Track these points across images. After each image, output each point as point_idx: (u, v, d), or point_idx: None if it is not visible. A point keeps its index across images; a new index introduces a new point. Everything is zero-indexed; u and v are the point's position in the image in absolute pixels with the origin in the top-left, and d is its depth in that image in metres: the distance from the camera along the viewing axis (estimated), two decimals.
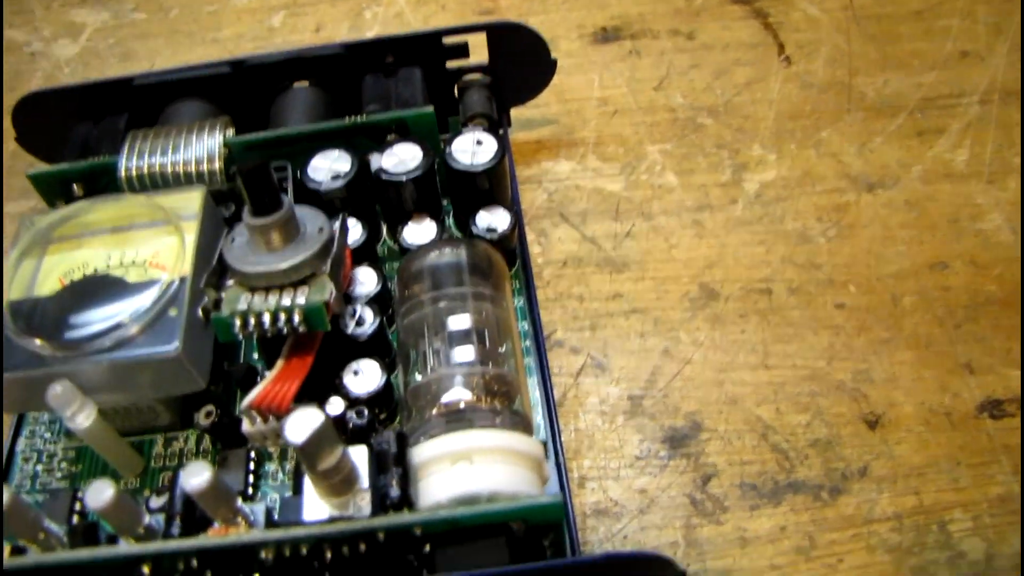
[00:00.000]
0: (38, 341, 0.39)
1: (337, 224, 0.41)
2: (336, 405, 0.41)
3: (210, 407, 0.41)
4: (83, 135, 0.52)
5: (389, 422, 0.43)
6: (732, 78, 0.60)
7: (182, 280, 0.41)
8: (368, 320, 0.43)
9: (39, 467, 0.45)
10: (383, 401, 0.42)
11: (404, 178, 0.47)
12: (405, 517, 0.33)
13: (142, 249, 0.43)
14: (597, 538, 0.44)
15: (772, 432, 0.46)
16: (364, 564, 0.35)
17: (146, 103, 0.53)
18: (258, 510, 0.36)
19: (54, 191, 0.50)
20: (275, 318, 0.38)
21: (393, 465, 0.36)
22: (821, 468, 0.45)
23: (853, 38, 0.61)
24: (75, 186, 0.49)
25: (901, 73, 0.59)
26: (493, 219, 0.48)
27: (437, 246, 0.45)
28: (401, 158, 0.47)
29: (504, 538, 0.35)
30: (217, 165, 0.48)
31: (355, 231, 0.47)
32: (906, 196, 0.54)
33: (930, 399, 0.47)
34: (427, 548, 0.34)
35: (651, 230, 0.54)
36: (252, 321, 0.38)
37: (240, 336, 0.39)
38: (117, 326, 0.39)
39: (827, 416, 0.47)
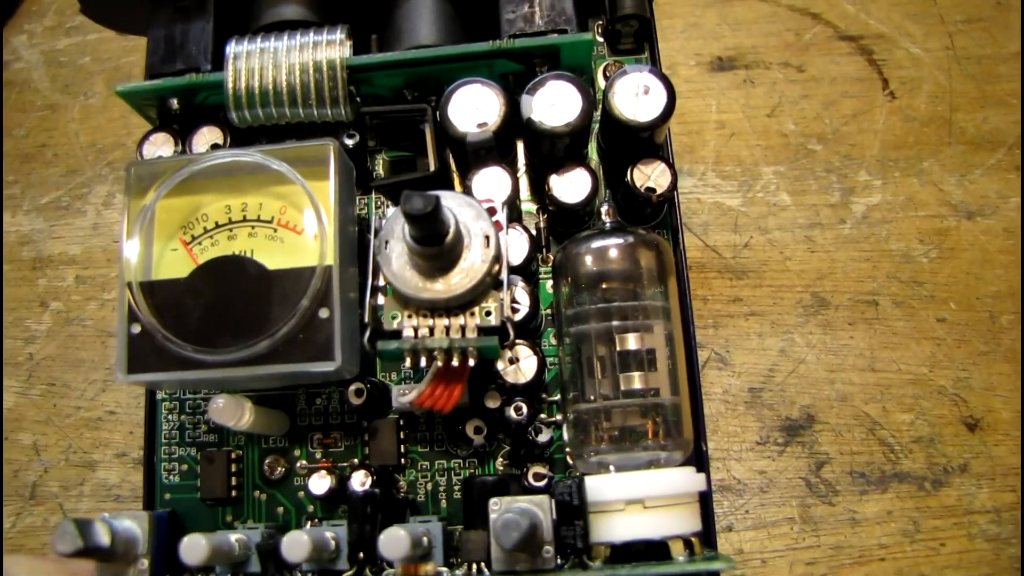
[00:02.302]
0: (184, 345, 0.41)
1: (501, 221, 0.41)
2: (494, 400, 0.43)
3: (359, 385, 0.44)
4: (164, 29, 0.49)
5: (540, 405, 0.45)
6: (839, 109, 0.66)
7: (327, 270, 0.41)
8: (523, 304, 0.43)
9: (184, 418, 0.48)
10: (538, 388, 0.45)
11: (562, 130, 0.43)
12: (592, 573, 0.38)
13: (267, 203, 0.43)
14: (722, 511, 0.50)
15: (879, 427, 0.52)
16: None
17: None
18: (435, 534, 0.40)
19: (147, 105, 0.49)
20: (447, 352, 0.39)
21: (576, 518, 0.38)
22: (924, 462, 0.51)
23: (954, 76, 0.67)
24: (172, 102, 0.48)
25: (1001, 111, 0.65)
26: (652, 175, 0.44)
27: (610, 242, 0.43)
28: (554, 102, 0.43)
29: None
30: (339, 91, 0.45)
31: (520, 243, 0.43)
32: (1004, 224, 0.60)
33: None
34: None
35: (767, 243, 0.60)
36: (423, 356, 0.40)
37: (407, 364, 0.40)
38: (269, 335, 0.40)
39: (929, 416, 0.52)
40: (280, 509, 0.46)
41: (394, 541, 0.36)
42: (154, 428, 0.48)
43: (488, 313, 0.39)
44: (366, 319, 0.40)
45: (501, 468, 0.46)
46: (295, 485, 0.47)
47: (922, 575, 0.47)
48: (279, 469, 0.47)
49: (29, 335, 0.61)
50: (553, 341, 0.47)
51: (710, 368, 0.54)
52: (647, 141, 0.45)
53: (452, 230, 0.38)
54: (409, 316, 0.40)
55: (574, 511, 0.39)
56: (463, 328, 0.39)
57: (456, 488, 0.46)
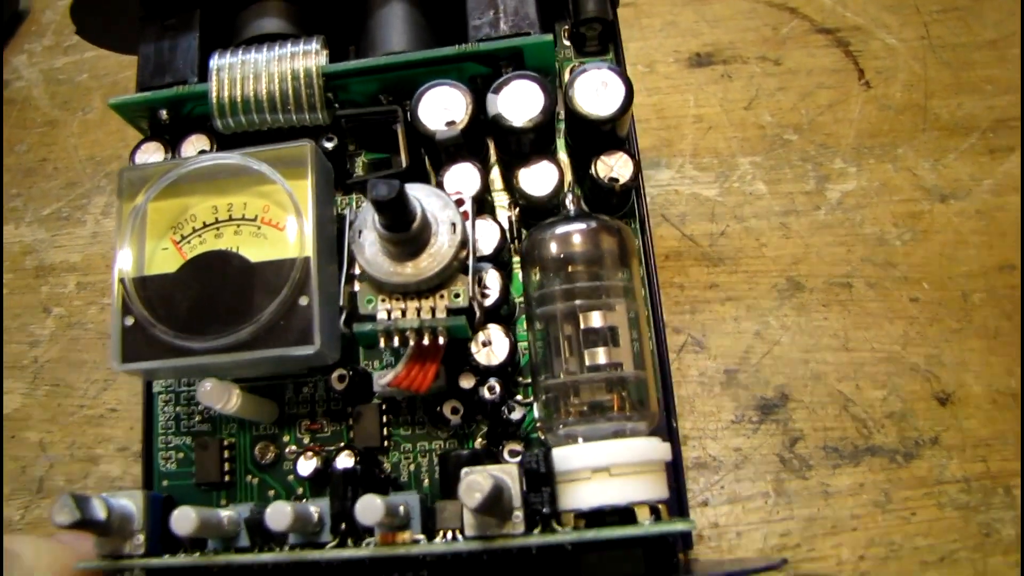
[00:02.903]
0: (174, 334, 0.44)
1: (468, 211, 0.44)
2: (468, 380, 0.47)
3: (342, 371, 0.47)
4: (153, 46, 0.53)
5: (515, 388, 0.49)
6: (816, 100, 0.69)
7: (306, 261, 0.44)
8: (493, 290, 0.46)
9: (179, 409, 0.52)
10: (510, 369, 0.47)
11: (526, 126, 0.46)
12: (559, 536, 0.40)
13: (251, 202, 0.46)
14: (698, 487, 0.53)
15: (852, 404, 0.55)
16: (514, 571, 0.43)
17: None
18: (412, 504, 0.43)
19: (138, 117, 0.52)
20: (419, 332, 0.43)
21: (543, 485, 0.41)
22: (896, 436, 0.53)
23: (929, 65, 0.70)
24: (162, 113, 0.52)
25: (975, 97, 0.68)
26: (614, 166, 0.48)
27: (573, 227, 0.46)
28: (519, 99, 0.46)
29: (641, 550, 0.43)
30: (316, 97, 0.49)
31: (491, 234, 0.47)
32: (977, 206, 0.63)
33: (997, 382, 0.55)
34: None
35: (743, 231, 0.63)
36: (396, 337, 0.43)
37: (381, 345, 0.44)
38: (253, 322, 0.44)
39: (902, 393, 0.55)
40: (271, 492, 0.50)
41: (369, 508, 0.39)
42: (151, 419, 0.52)
43: (457, 295, 0.43)
44: (341, 303, 0.43)
45: (479, 447, 0.49)
46: (285, 469, 0.50)
47: (892, 543, 0.50)
48: (269, 454, 0.50)
49: (33, 339, 0.65)
50: (526, 328, 0.50)
51: (687, 352, 0.57)
52: (610, 134, 0.49)
53: (418, 216, 0.41)
54: (383, 300, 0.43)
55: (542, 479, 0.42)
56: (433, 309, 0.43)
57: (437, 468, 0.49)
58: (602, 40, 0.54)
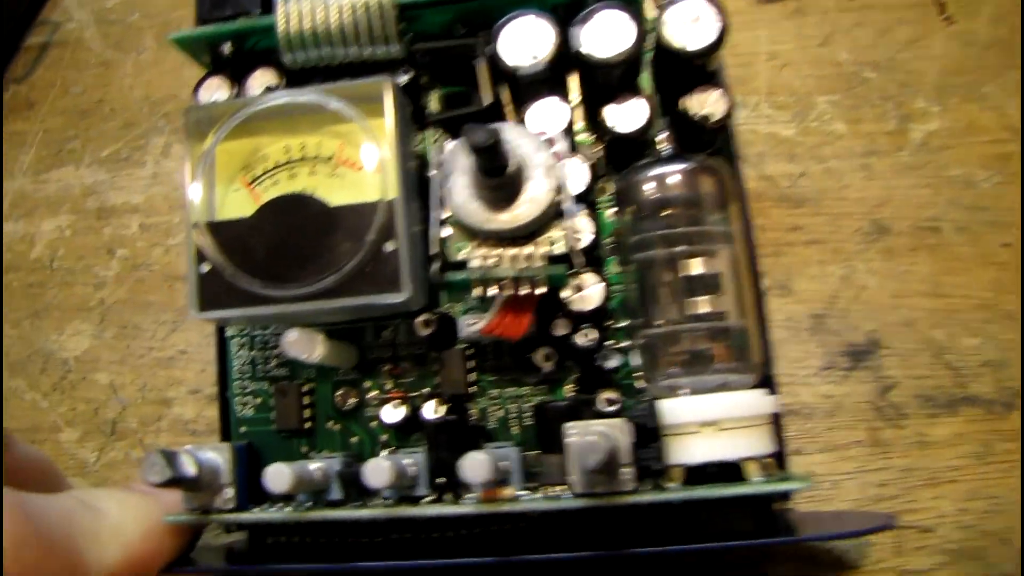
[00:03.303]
0: (253, 282, 0.41)
1: (560, 152, 0.40)
2: (562, 327, 0.43)
3: (427, 316, 0.43)
4: None
5: (606, 332, 0.45)
6: (895, 36, 0.64)
7: (390, 205, 0.40)
8: (584, 233, 0.42)
9: (255, 353, 0.48)
10: (604, 315, 0.44)
11: (614, 60, 0.42)
12: (670, 494, 0.37)
13: (325, 142, 0.42)
14: (790, 435, 0.49)
15: (946, 352, 0.50)
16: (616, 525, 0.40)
17: None
18: (512, 458, 0.40)
19: (200, 51, 0.49)
20: (515, 281, 0.39)
21: (652, 441, 0.38)
22: (993, 386, 0.49)
23: None
24: (225, 47, 0.48)
25: None
26: (707, 102, 0.43)
27: (672, 169, 0.42)
28: (606, 31, 0.42)
29: (751, 509, 0.40)
30: (389, 29, 0.44)
31: (580, 174, 0.43)
32: None
33: None
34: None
35: (824, 172, 0.58)
36: (491, 285, 0.39)
37: (476, 294, 0.39)
38: (338, 270, 0.40)
39: (998, 341, 0.50)
40: (354, 439, 0.46)
41: (476, 464, 0.36)
42: (225, 364, 0.49)
43: (553, 242, 0.39)
44: (433, 251, 0.39)
45: (570, 394, 0.45)
46: (367, 415, 0.47)
47: (995, 496, 0.46)
48: (351, 400, 0.46)
49: (99, 281, 0.61)
50: (616, 269, 0.46)
51: (772, 296, 0.53)
52: (700, 69, 0.44)
53: (514, 161, 0.37)
54: (475, 247, 0.39)
55: (650, 434, 0.38)
56: (529, 257, 0.39)
57: (527, 415, 0.45)
58: None
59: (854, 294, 0.53)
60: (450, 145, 0.40)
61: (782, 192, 0.57)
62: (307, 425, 0.46)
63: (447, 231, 0.39)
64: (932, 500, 0.46)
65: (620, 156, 0.47)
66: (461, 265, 0.39)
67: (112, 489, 0.41)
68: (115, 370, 0.58)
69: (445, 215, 0.39)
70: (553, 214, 0.39)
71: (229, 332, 0.49)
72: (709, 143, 0.46)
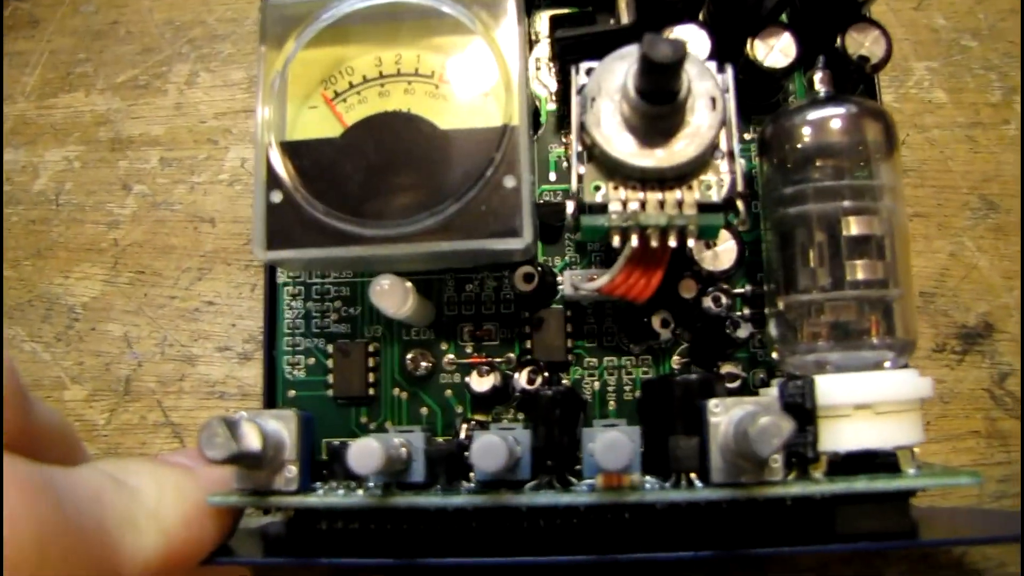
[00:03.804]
0: (339, 216, 0.32)
1: (727, 81, 0.32)
2: (689, 289, 0.36)
3: (529, 269, 0.36)
4: None
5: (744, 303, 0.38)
6: (995, 3, 0.57)
7: (514, 132, 0.32)
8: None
9: (311, 305, 0.40)
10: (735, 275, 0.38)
11: None
12: (823, 486, 0.30)
13: (425, 56, 0.34)
14: None
15: None
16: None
17: None
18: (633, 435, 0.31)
19: None
20: (663, 231, 0.31)
21: (807, 424, 0.31)
22: None
23: None
24: None
25: None
26: (865, 42, 0.37)
27: (833, 112, 0.34)
28: None
29: (906, 503, 0.33)
30: None
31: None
32: None
33: None
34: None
35: (926, 142, 0.51)
36: (632, 234, 0.31)
37: (614, 243, 0.32)
38: (448, 206, 0.32)
39: None
40: (424, 410, 0.39)
41: (615, 446, 0.28)
42: (274, 316, 0.40)
43: (709, 187, 0.31)
44: (576, 187, 0.31)
45: (678, 367, 0.38)
46: (441, 383, 0.39)
47: None
48: (424, 364, 0.38)
49: (112, 219, 0.52)
50: (740, 226, 0.38)
51: None
52: (857, 4, 0.38)
53: (685, 86, 0.29)
54: (615, 188, 0.31)
55: (804, 415, 0.31)
56: (680, 203, 0.31)
57: (627, 388, 0.38)
58: None
59: (964, 272, 0.46)
60: (589, 66, 0.31)
61: None
62: (370, 392, 0.38)
63: (583, 168, 0.31)
64: None
65: (752, 97, 0.39)
66: (597, 209, 0.31)
67: (144, 461, 0.32)
68: (130, 320, 0.49)
69: (581, 148, 0.31)
70: (711, 154, 0.31)
71: (281, 278, 0.40)
72: (853, 90, 0.39)
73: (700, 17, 0.40)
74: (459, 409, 0.38)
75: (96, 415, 0.47)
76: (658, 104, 0.29)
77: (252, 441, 0.30)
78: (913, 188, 0.49)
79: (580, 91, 0.32)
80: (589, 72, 0.32)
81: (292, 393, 0.39)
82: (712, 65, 0.33)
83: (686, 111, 0.30)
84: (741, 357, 0.38)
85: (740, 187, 0.31)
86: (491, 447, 0.29)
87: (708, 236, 0.33)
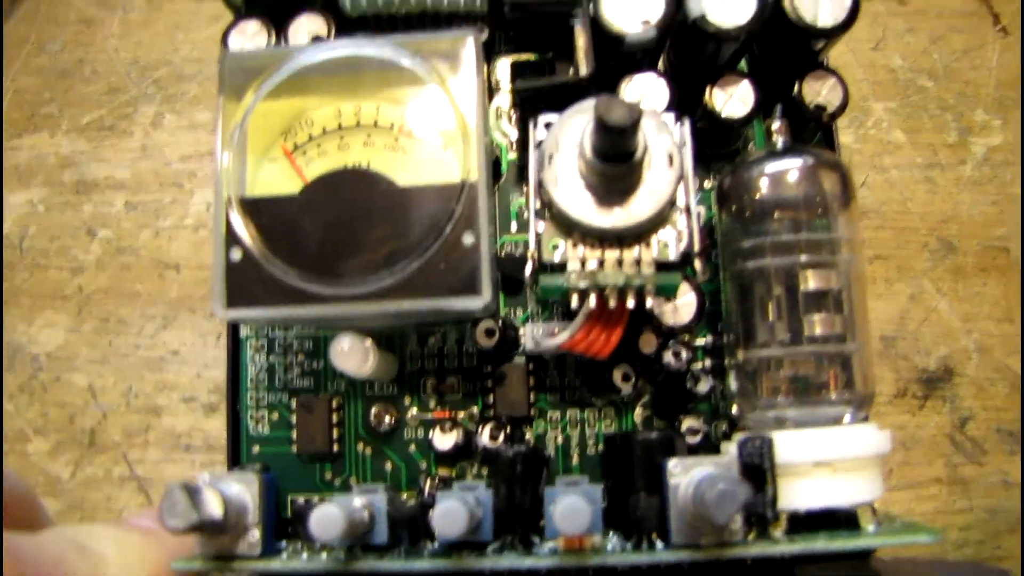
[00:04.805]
0: (298, 275, 0.32)
1: (684, 135, 0.33)
2: (650, 343, 0.35)
3: (490, 324, 0.36)
4: None
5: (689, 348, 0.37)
6: (949, 44, 0.58)
7: (473, 188, 0.32)
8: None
9: (273, 359, 0.39)
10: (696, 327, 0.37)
11: (734, 33, 0.34)
12: (783, 546, 0.30)
13: (385, 107, 0.34)
14: None
15: None
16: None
17: None
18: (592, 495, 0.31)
19: None
20: (620, 291, 0.31)
21: (763, 483, 0.31)
22: None
23: None
24: None
25: None
26: (823, 90, 0.37)
27: (792, 164, 0.35)
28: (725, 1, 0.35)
29: (868, 559, 0.34)
30: None
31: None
32: None
33: None
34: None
35: (885, 183, 0.52)
36: (591, 293, 0.31)
37: (573, 304, 0.32)
38: (407, 265, 0.32)
39: None
40: (388, 465, 0.38)
41: (574, 512, 0.28)
42: (238, 371, 0.40)
43: (667, 245, 0.31)
44: (533, 247, 0.31)
45: (640, 420, 0.38)
46: (405, 438, 0.38)
47: None
48: (387, 419, 0.38)
49: (76, 265, 0.51)
50: (700, 277, 0.38)
51: None
52: (813, 53, 0.38)
53: (642, 146, 0.29)
54: (574, 246, 0.31)
55: (762, 475, 0.31)
56: (638, 262, 0.31)
57: (590, 442, 0.38)
58: None
59: (923, 315, 0.47)
60: (553, 119, 0.32)
61: None
62: (334, 448, 0.38)
63: (541, 225, 0.31)
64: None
65: (711, 146, 0.39)
66: (555, 268, 0.31)
67: (106, 526, 0.32)
68: (95, 370, 0.48)
69: (537, 205, 0.31)
70: (669, 212, 0.31)
71: (244, 333, 0.40)
72: (809, 138, 0.39)
73: (660, 66, 0.40)
74: (423, 464, 0.38)
75: (60, 468, 0.46)
76: (614, 164, 0.29)
77: (213, 508, 0.29)
78: (874, 230, 0.50)
79: (538, 146, 0.32)
80: (548, 126, 0.32)
81: (256, 449, 0.39)
82: (670, 116, 0.33)
83: (643, 168, 0.30)
84: (703, 410, 0.38)
85: (697, 245, 0.31)
86: (452, 513, 0.29)
87: (666, 294, 0.33)
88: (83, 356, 0.49)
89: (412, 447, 0.38)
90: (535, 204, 0.31)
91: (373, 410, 0.38)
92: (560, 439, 0.38)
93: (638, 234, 0.31)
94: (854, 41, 0.59)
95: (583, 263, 0.31)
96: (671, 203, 0.31)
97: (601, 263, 0.31)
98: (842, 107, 0.38)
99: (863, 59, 0.58)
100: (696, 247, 0.31)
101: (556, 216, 0.31)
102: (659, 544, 0.31)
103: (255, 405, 0.39)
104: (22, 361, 0.49)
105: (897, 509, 0.42)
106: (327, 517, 0.28)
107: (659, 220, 0.31)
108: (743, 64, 0.40)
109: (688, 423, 0.37)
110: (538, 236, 0.31)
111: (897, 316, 0.47)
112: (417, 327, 0.39)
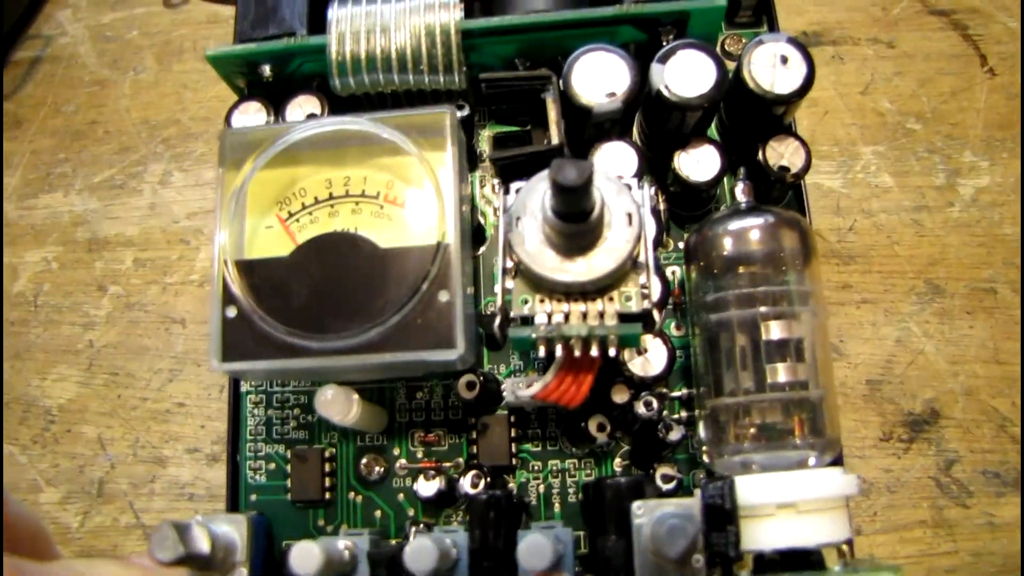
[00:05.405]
0: (287, 330, 0.36)
1: (646, 198, 0.36)
2: (622, 394, 0.39)
3: (471, 377, 0.39)
4: None
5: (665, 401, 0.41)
6: (936, 87, 0.61)
7: (447, 249, 0.36)
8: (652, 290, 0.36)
9: (271, 412, 0.43)
10: (666, 379, 0.41)
11: (695, 102, 0.38)
12: None
13: (372, 176, 0.38)
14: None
15: (1010, 424, 0.47)
16: None
17: None
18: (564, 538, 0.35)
19: (236, 73, 0.44)
20: (585, 341, 0.34)
21: (727, 524, 0.33)
22: None
23: None
24: (265, 69, 0.43)
25: None
26: (785, 153, 0.41)
27: (752, 223, 0.38)
28: (687, 72, 0.38)
29: None
30: (453, 56, 0.40)
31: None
32: None
33: None
34: None
35: (873, 227, 0.54)
36: (557, 344, 0.35)
37: (540, 354, 0.35)
38: (385, 321, 0.35)
39: None
40: (377, 513, 0.42)
41: (536, 551, 0.31)
42: (238, 423, 0.43)
43: (628, 298, 0.34)
44: (500, 301, 0.34)
45: (620, 469, 0.41)
46: (394, 487, 0.42)
47: None
48: (377, 469, 0.42)
49: (88, 321, 0.56)
50: (675, 332, 0.42)
51: None
52: (776, 117, 0.41)
53: (598, 205, 0.33)
54: (541, 301, 0.34)
55: (724, 516, 0.34)
56: (601, 315, 0.34)
57: (571, 490, 0.41)
58: (756, 11, 0.46)
59: (910, 359, 0.49)
60: (519, 185, 0.35)
61: (831, 247, 0.54)
62: (327, 496, 0.41)
63: (510, 282, 0.35)
64: None
65: (684, 208, 0.43)
66: (524, 321, 0.34)
67: (109, 561, 0.35)
68: (104, 423, 0.52)
69: (509, 264, 0.35)
70: (630, 267, 0.34)
71: (244, 387, 0.44)
72: (779, 199, 0.42)
73: (634, 133, 0.44)
74: (411, 512, 0.41)
75: (70, 518, 0.50)
76: (572, 223, 0.32)
77: (201, 544, 0.33)
78: (861, 275, 0.53)
79: (507, 210, 0.35)
80: (518, 191, 0.36)
81: (254, 497, 0.42)
82: (634, 180, 0.36)
83: (604, 226, 0.34)
84: (680, 458, 0.41)
85: (655, 298, 0.34)
86: (422, 550, 0.32)
87: (629, 344, 0.36)
88: (93, 409, 0.53)
89: (400, 495, 0.42)
90: (503, 263, 0.35)
91: (363, 460, 0.42)
92: (542, 488, 0.41)
93: (601, 288, 0.34)
94: (843, 86, 0.62)
95: (550, 316, 0.34)
96: (632, 259, 0.34)
97: (567, 316, 0.34)
98: (805, 168, 0.41)
99: (851, 103, 0.61)
100: (655, 300, 0.35)
101: (524, 273, 0.35)
102: None
103: (253, 456, 0.43)
104: (36, 414, 0.53)
105: (882, 552, 0.44)
106: (304, 552, 0.32)
107: (620, 275, 0.34)
108: (713, 129, 0.44)
109: (663, 470, 0.39)
110: (507, 291, 0.35)
111: (884, 360, 0.49)
112: (406, 382, 0.42)
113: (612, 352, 0.34)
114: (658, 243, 0.39)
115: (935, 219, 0.55)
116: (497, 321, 0.35)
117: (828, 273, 0.52)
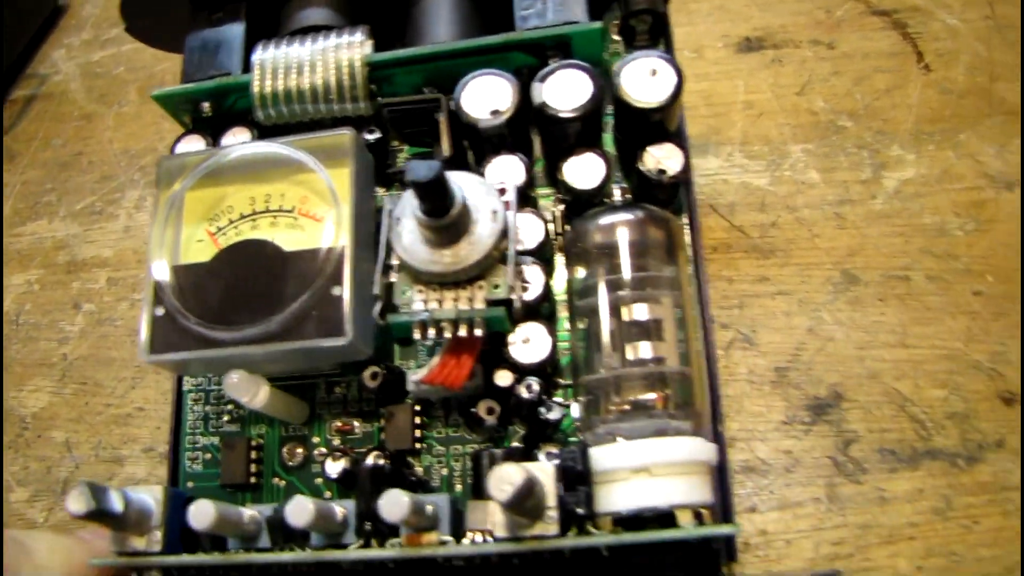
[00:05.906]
0: (204, 325, 0.44)
1: (510, 201, 0.43)
2: (505, 378, 0.45)
3: (375, 368, 0.46)
4: (200, 39, 0.54)
5: (555, 390, 0.47)
6: (872, 84, 0.67)
7: (341, 251, 0.44)
8: (535, 284, 0.45)
9: (208, 408, 0.51)
10: (551, 371, 0.47)
11: (572, 115, 0.45)
12: (594, 539, 0.39)
13: (289, 192, 0.46)
14: (745, 492, 0.51)
15: (910, 404, 0.52)
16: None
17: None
18: (441, 505, 0.41)
19: (181, 110, 0.54)
20: (455, 324, 0.42)
21: (580, 484, 0.39)
22: (958, 438, 0.51)
23: (994, 46, 0.67)
24: (204, 105, 0.53)
25: None
26: (662, 157, 0.46)
27: (618, 217, 0.45)
28: (566, 88, 0.46)
29: (681, 554, 0.42)
30: (359, 87, 0.49)
31: (535, 228, 0.46)
32: None
33: None
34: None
35: (795, 221, 0.60)
36: (432, 328, 0.42)
37: (416, 337, 0.42)
38: (283, 312, 0.43)
39: (964, 392, 0.52)
40: (298, 495, 0.49)
41: (394, 503, 0.38)
42: (180, 418, 0.52)
43: (496, 286, 0.42)
44: (376, 292, 0.42)
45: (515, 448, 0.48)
46: (313, 471, 0.49)
47: (953, 553, 0.47)
48: (298, 455, 0.49)
49: (63, 336, 0.65)
50: (567, 327, 0.49)
51: (735, 349, 0.55)
52: (659, 125, 0.48)
53: (458, 202, 0.41)
54: (420, 291, 0.42)
55: (579, 478, 0.41)
56: (471, 300, 0.42)
57: (471, 472, 0.48)
58: (653, 34, 0.53)
59: (819, 346, 0.55)
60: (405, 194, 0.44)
61: (752, 243, 0.60)
62: (252, 480, 0.49)
63: (394, 276, 0.43)
64: (888, 558, 0.48)
65: (579, 213, 0.50)
66: (403, 308, 0.42)
67: (45, 532, 0.44)
68: (71, 428, 0.61)
69: (394, 262, 0.43)
70: (498, 259, 0.42)
71: (186, 386, 0.52)
72: (668, 199, 0.49)
73: (536, 146, 0.52)
74: (328, 494, 0.49)
75: (36, 514, 0.59)
76: (434, 217, 0.40)
77: (114, 504, 0.40)
78: (779, 267, 0.59)
79: (389, 214, 0.43)
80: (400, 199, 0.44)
81: (191, 484, 0.50)
82: (509, 183, 0.44)
83: (470, 222, 0.42)
84: (573, 441, 0.47)
85: (517, 289, 0.42)
86: (299, 503, 0.39)
87: (496, 327, 0.43)
88: (63, 416, 0.62)
89: (318, 479, 0.49)
90: (384, 259, 0.43)
91: (285, 448, 0.49)
92: (445, 471, 0.48)
93: (472, 278, 0.42)
94: (780, 88, 0.68)
95: (425, 303, 0.42)
96: (500, 251, 0.42)
97: (440, 302, 0.42)
98: (683, 170, 0.47)
99: (787, 104, 0.67)
100: (517, 290, 0.42)
101: (404, 267, 0.43)
102: (489, 539, 0.41)
103: (191, 447, 0.51)
104: (11, 422, 0.62)
105: (774, 527, 0.49)
106: (200, 510, 0.40)
107: (487, 265, 0.42)
108: (611, 141, 0.51)
109: (548, 449, 0.46)
110: (387, 284, 0.43)
111: (792, 348, 0.55)
112: (326, 378, 0.50)
113: (479, 333, 0.42)
114: (545, 244, 0.46)
115: (857, 212, 0.60)
116: (376, 309, 0.42)
117: (747, 268, 0.59)
